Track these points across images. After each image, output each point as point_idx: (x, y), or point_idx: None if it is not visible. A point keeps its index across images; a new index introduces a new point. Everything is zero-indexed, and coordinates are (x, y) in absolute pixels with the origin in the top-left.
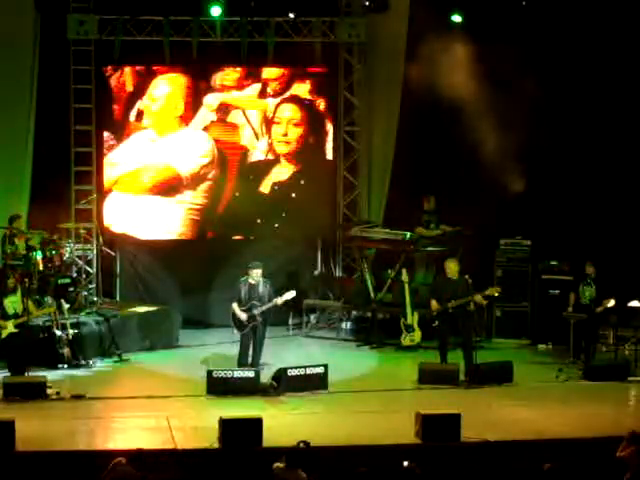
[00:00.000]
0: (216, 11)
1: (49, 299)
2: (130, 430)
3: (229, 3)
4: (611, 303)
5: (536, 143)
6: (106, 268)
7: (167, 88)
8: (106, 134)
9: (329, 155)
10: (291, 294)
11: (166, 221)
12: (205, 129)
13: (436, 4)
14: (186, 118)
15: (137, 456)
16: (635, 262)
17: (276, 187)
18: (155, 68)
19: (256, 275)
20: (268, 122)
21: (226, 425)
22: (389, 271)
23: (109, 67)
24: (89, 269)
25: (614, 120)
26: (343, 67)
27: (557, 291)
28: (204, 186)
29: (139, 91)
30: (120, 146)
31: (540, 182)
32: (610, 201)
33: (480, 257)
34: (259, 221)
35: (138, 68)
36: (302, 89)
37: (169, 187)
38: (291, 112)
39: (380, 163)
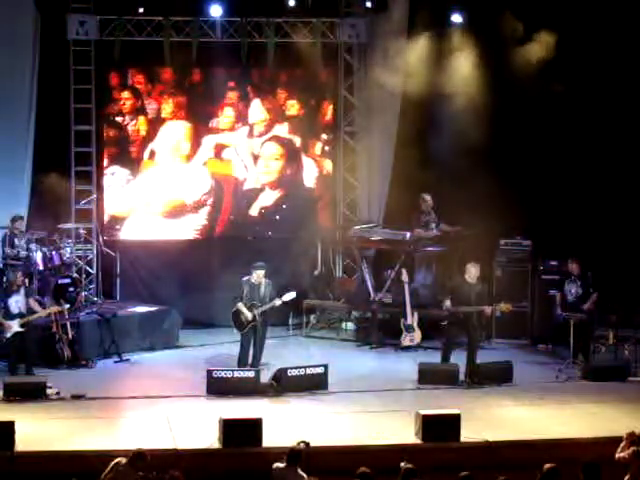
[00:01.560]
0: (216, 11)
1: (49, 299)
2: (130, 430)
3: (229, 3)
4: (594, 297)
5: (536, 143)
6: (106, 268)
7: (174, 132)
8: (124, 170)
9: (306, 183)
10: (291, 295)
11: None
12: (204, 164)
13: (436, 4)
14: (189, 156)
15: (137, 456)
16: (635, 262)
17: (263, 210)
18: (163, 116)
19: (258, 276)
20: (255, 157)
21: (226, 425)
22: (389, 271)
23: (126, 116)
24: (89, 269)
25: (614, 119)
26: (343, 67)
27: (557, 291)
28: (204, 211)
29: (151, 135)
30: (135, 179)
31: (540, 182)
32: (610, 201)
33: (480, 257)
34: (250, 239)
35: (150, 117)
36: (282, 130)
37: (176, 212)
38: (272, 149)
39: (380, 163)
